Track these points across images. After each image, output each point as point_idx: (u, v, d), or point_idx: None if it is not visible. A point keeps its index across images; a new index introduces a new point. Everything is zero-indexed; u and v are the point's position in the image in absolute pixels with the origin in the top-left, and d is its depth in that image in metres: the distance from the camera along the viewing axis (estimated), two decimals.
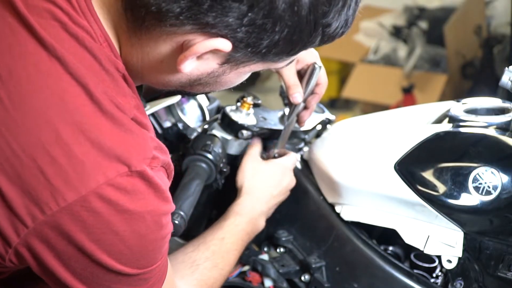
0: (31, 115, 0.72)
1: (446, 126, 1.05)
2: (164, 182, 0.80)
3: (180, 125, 1.31)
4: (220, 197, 1.30)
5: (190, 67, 0.79)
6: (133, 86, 0.82)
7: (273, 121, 1.27)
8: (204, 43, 0.75)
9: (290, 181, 1.22)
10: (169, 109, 1.31)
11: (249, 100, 1.22)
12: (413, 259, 1.12)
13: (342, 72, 4.39)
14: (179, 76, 0.83)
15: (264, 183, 1.19)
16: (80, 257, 0.76)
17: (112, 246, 0.76)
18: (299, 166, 1.28)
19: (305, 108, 1.23)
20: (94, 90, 0.74)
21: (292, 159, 1.23)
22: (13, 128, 0.72)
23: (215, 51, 0.77)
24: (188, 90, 0.89)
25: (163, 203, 0.80)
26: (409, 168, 1.02)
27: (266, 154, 1.26)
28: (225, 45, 0.75)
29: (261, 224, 1.18)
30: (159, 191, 0.78)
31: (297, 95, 1.17)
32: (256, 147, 1.24)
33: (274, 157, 1.24)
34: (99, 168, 0.73)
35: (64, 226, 0.73)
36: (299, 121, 1.24)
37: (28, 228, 0.73)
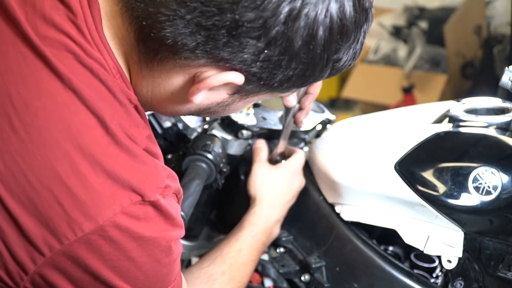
0: (48, 147, 0.73)
1: (446, 126, 1.05)
2: (175, 208, 0.82)
3: (180, 125, 1.31)
4: (220, 197, 1.30)
5: (201, 98, 0.80)
6: (144, 116, 0.83)
7: (273, 121, 1.27)
8: (218, 77, 0.76)
9: (300, 183, 1.22)
10: None
11: None
12: (413, 259, 1.12)
13: (342, 72, 4.38)
14: (188, 106, 0.84)
15: (276, 191, 1.18)
16: (97, 284, 0.77)
17: (128, 272, 0.77)
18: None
19: (300, 109, 1.22)
20: (109, 122, 0.75)
21: (300, 159, 1.23)
22: (30, 160, 0.72)
23: (227, 83, 0.78)
24: (197, 116, 0.90)
25: (174, 228, 0.81)
26: (409, 168, 1.02)
27: (270, 156, 1.25)
28: (238, 78, 0.76)
29: (276, 232, 1.19)
30: (170, 217, 0.79)
31: (290, 98, 1.17)
32: (263, 152, 1.23)
33: (280, 159, 1.24)
34: (114, 198, 0.74)
35: (81, 255, 0.74)
36: (296, 122, 1.24)
37: (45, 257, 0.73)
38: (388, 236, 1.13)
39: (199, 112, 0.86)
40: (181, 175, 1.14)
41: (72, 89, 0.74)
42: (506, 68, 1.00)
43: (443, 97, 3.61)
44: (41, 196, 0.72)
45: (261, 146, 1.24)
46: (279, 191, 1.19)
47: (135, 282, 0.78)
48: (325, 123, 1.36)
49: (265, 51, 0.73)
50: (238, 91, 0.81)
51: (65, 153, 0.72)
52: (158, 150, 0.82)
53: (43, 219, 0.72)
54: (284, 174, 1.20)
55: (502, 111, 1.05)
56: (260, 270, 1.19)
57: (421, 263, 1.11)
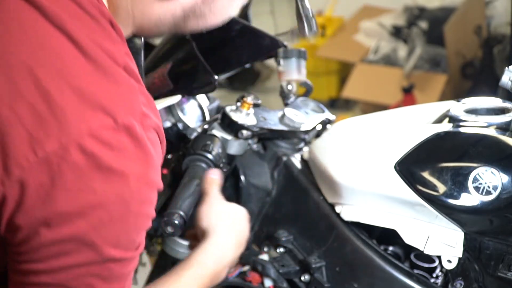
0: (8, 63, 0.68)
1: (446, 126, 1.05)
2: (156, 147, 0.74)
3: (180, 125, 1.31)
4: None
5: None
6: (121, 33, 0.77)
7: (273, 121, 1.27)
8: None
9: (247, 232, 1.11)
10: (169, 109, 1.31)
11: (249, 100, 1.22)
12: (413, 259, 1.12)
13: (342, 72, 4.40)
14: (172, 8, 0.80)
15: (232, 228, 1.06)
16: (53, 220, 0.69)
17: (90, 208, 0.69)
18: (299, 166, 1.28)
19: None
20: (77, 35, 0.69)
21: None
22: None
23: None
24: (182, 29, 0.85)
25: (151, 170, 0.72)
26: (409, 168, 1.02)
27: None
28: None
29: (223, 275, 1.04)
30: (148, 154, 0.71)
31: None
32: (216, 184, 1.11)
33: None
34: (81, 118, 0.68)
35: (40, 181, 0.67)
36: None
37: (4, 186, 0.67)
38: (388, 236, 1.13)
39: (184, 16, 0.82)
40: (181, 175, 1.14)
41: (34, 5, 0.70)
42: (506, 68, 1.00)
43: (443, 97, 3.61)
44: (1, 115, 0.67)
45: (215, 177, 1.12)
46: (235, 229, 1.07)
47: (96, 224, 0.70)
48: (325, 123, 1.36)
49: None
50: None
51: (27, 69, 0.68)
52: (137, 71, 0.76)
53: (3, 140, 0.67)
54: (240, 213, 1.10)
55: (502, 111, 1.05)
56: (260, 270, 1.19)
57: (421, 263, 1.11)
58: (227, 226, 1.06)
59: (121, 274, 0.76)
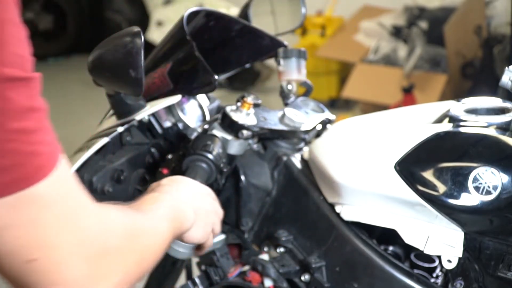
0: None
1: (446, 126, 1.05)
2: None
3: (180, 125, 1.31)
4: (220, 197, 1.30)
5: None
6: None
7: (273, 121, 1.27)
8: None
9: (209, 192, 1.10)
10: (169, 109, 1.31)
11: (249, 100, 1.22)
12: (413, 259, 1.12)
13: (342, 72, 4.40)
14: None
15: (184, 182, 1.05)
16: None
17: None
18: (299, 166, 1.28)
19: None
20: None
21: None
22: None
23: None
24: None
25: None
26: (409, 168, 1.03)
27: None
28: None
29: (189, 213, 0.98)
30: None
31: None
32: None
33: None
34: None
35: None
36: None
37: None
38: (388, 236, 1.13)
39: None
40: (181, 175, 1.14)
41: None
42: (506, 68, 1.00)
43: (443, 97, 3.61)
44: None
45: None
46: (188, 184, 1.05)
47: None
48: (325, 123, 1.36)
49: None
50: None
51: None
52: None
53: None
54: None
55: (502, 111, 1.05)
56: (260, 270, 1.19)
57: (421, 263, 1.11)
58: (178, 180, 1.03)
59: (27, 107, 0.65)
